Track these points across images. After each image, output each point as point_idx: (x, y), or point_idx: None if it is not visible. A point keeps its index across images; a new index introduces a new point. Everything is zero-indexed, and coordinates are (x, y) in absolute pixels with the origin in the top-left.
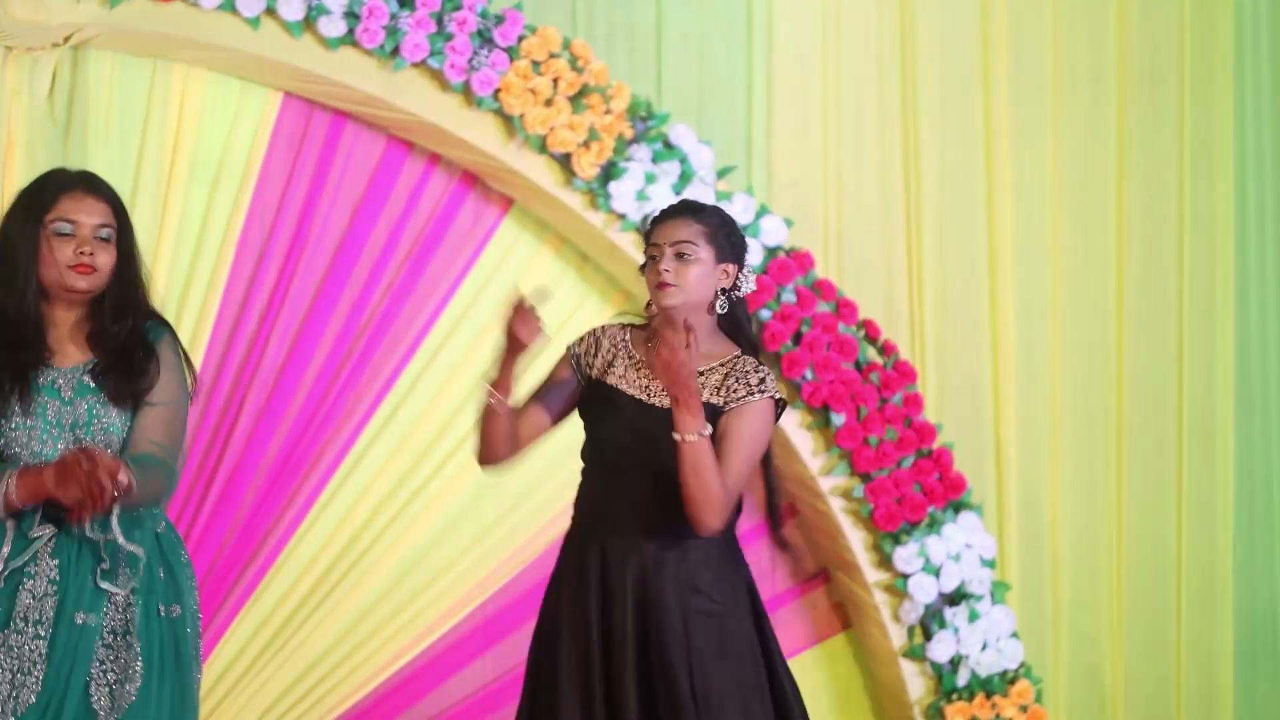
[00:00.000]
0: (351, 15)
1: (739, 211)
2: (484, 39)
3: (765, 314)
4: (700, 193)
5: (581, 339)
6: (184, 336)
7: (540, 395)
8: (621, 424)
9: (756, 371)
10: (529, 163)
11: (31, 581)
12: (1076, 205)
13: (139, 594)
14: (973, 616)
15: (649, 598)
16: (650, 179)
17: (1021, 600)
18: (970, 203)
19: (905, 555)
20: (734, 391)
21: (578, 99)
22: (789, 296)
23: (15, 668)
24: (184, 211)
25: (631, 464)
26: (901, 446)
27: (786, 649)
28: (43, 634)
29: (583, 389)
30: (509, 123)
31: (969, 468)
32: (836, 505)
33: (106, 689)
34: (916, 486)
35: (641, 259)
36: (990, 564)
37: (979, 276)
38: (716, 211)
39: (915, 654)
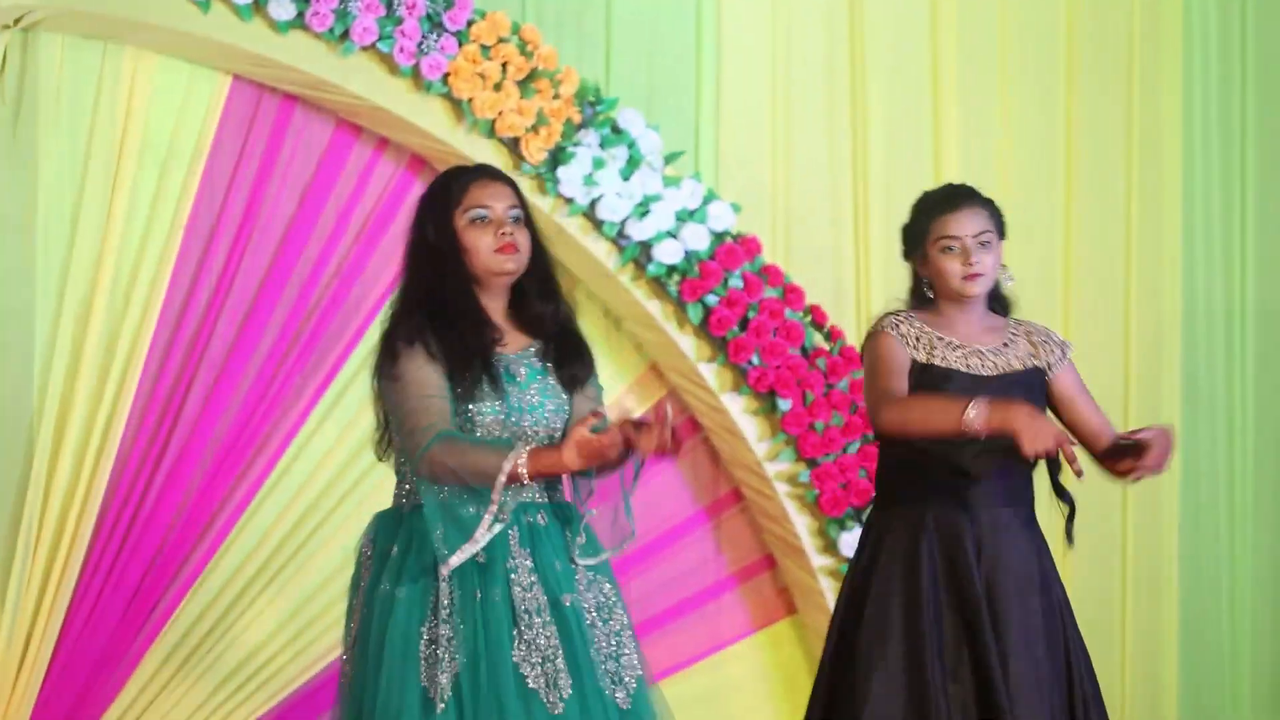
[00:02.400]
0: None
1: (686, 197)
2: (433, 23)
3: (712, 299)
4: (648, 178)
5: (898, 324)
6: (132, 318)
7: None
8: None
9: (1052, 333)
10: (478, 147)
11: (516, 574)
12: (1024, 191)
13: (601, 571)
14: None
15: (991, 563)
16: (599, 164)
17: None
18: (918, 188)
19: (850, 540)
20: (1051, 354)
21: (526, 83)
22: (736, 282)
23: (541, 659)
24: (133, 194)
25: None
26: (847, 432)
27: (730, 635)
28: (549, 619)
29: (912, 371)
30: (458, 107)
31: None
32: (782, 490)
33: (605, 665)
34: (862, 472)
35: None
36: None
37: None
38: (986, 197)
39: None
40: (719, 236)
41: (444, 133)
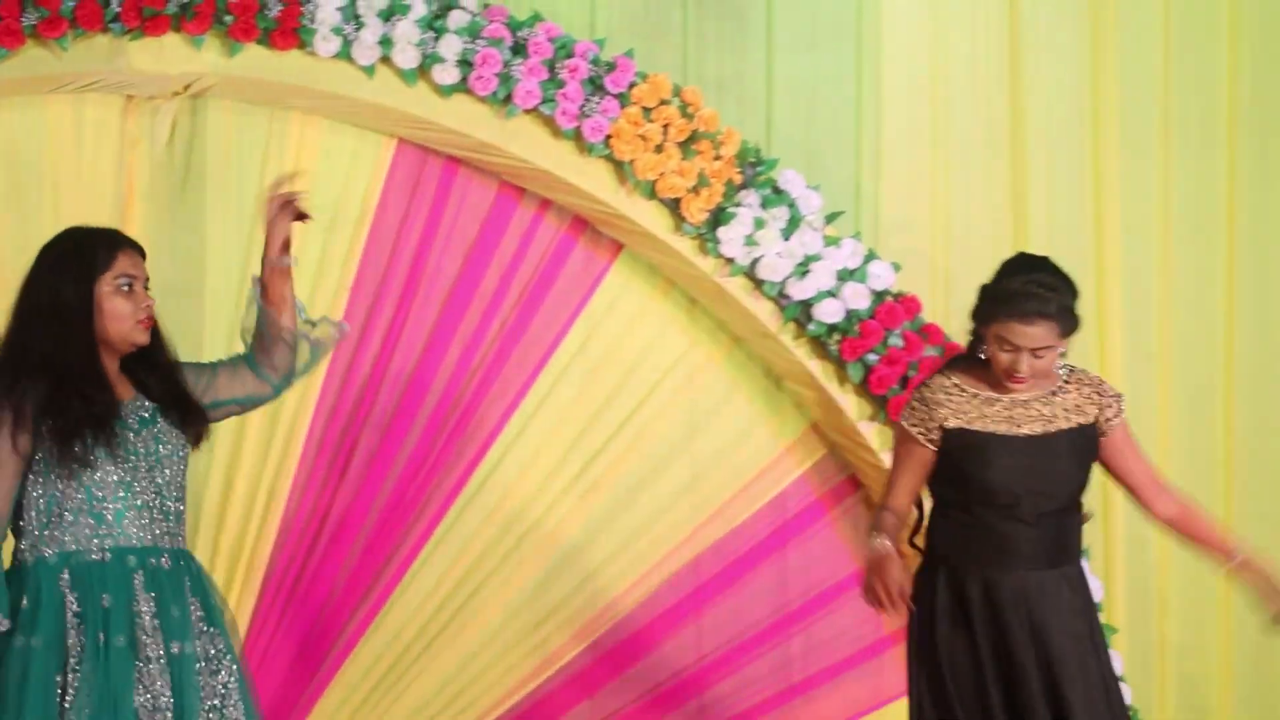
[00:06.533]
0: (465, 63)
1: (847, 256)
2: (595, 86)
3: (872, 358)
4: (809, 238)
5: (911, 412)
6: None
7: (912, 482)
8: (1003, 463)
9: (1105, 385)
10: (639, 208)
11: (140, 620)
12: (1186, 250)
13: (215, 623)
14: None
15: (1037, 623)
16: (759, 224)
17: (1129, 643)
18: (1079, 247)
19: None
20: (1107, 408)
21: (688, 145)
22: (896, 340)
23: (153, 707)
24: (300, 257)
25: (1017, 498)
26: None
27: (890, 693)
28: (165, 666)
29: (939, 442)
30: (620, 169)
31: None
32: None
33: (209, 716)
34: None
35: (750, 305)
36: (1097, 606)
37: (1087, 321)
38: (1062, 300)
39: None
40: (879, 296)
41: (606, 194)
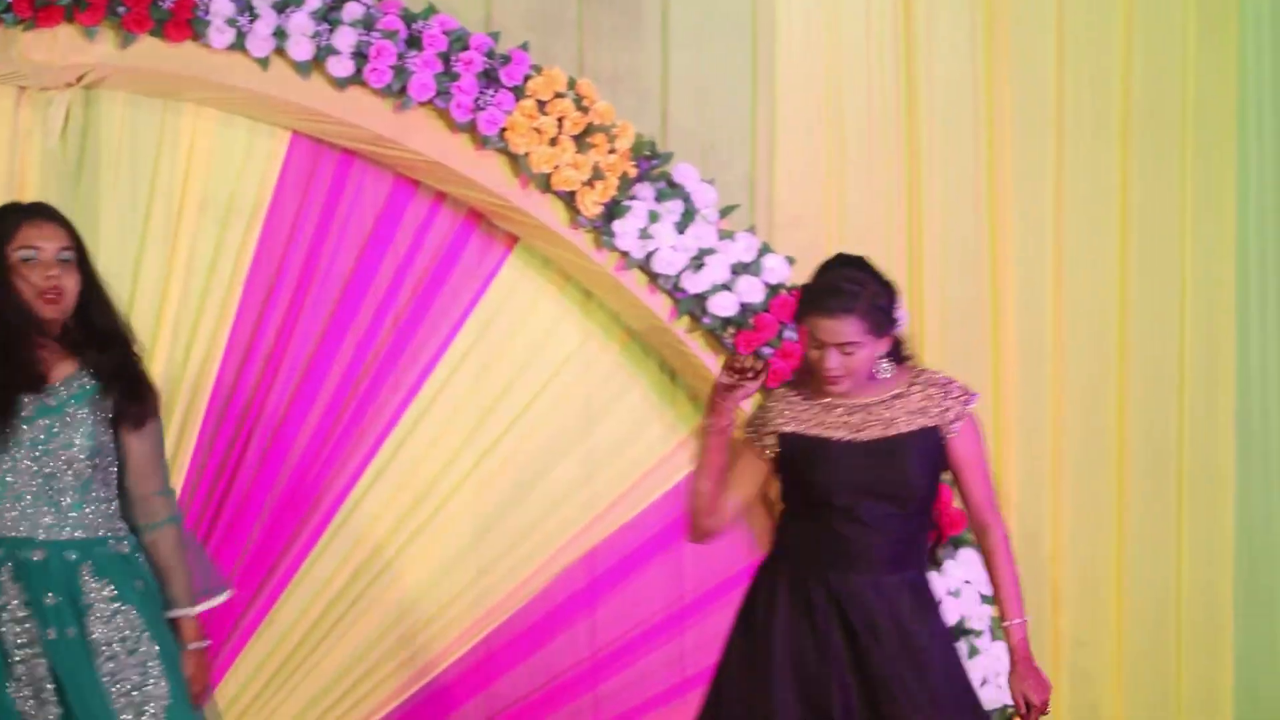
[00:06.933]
0: (359, 55)
1: (741, 250)
2: (490, 79)
3: (767, 351)
4: (703, 231)
5: (750, 418)
6: (191, 373)
7: (738, 478)
8: (838, 466)
9: (953, 385)
10: (535, 201)
11: (6, 610)
12: (1079, 245)
13: (132, 600)
14: (972, 653)
15: (878, 628)
16: (654, 218)
17: None
18: (973, 242)
19: None
20: (949, 411)
21: (582, 138)
22: (790, 334)
23: (33, 693)
24: (193, 249)
25: (857, 501)
26: None
27: None
28: (40, 650)
29: (777, 448)
30: (514, 161)
31: None
32: None
33: (128, 694)
34: None
35: (647, 299)
36: (990, 600)
37: (982, 315)
38: (872, 297)
39: None
40: (774, 289)
41: (501, 187)
